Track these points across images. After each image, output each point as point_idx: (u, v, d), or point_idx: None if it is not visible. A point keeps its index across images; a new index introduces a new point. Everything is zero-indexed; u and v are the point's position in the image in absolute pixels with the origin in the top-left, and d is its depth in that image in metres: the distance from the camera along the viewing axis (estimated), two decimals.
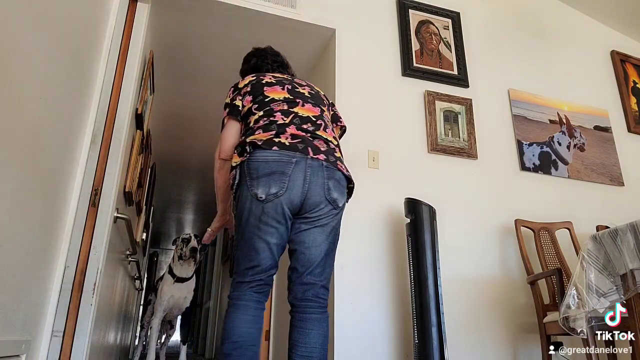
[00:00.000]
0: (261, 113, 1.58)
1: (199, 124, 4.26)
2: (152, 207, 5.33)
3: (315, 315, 1.45)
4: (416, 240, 2.10)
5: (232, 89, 1.72)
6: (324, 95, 1.81)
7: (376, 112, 2.62)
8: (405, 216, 2.18)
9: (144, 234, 4.48)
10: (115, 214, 1.95)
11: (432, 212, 2.16)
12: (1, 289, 1.10)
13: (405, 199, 2.20)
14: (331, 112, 1.78)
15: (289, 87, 1.68)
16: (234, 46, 3.00)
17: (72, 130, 1.66)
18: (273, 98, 1.62)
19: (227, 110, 1.67)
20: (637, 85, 3.45)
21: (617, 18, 3.55)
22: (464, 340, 2.30)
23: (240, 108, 1.64)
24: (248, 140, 1.50)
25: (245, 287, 1.45)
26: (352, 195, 1.63)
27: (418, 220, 2.12)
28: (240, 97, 1.66)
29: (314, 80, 3.15)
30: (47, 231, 1.50)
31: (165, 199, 6.49)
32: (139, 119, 2.32)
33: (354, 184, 1.61)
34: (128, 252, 2.68)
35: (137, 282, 4.18)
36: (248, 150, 1.48)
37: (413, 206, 2.16)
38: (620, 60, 3.47)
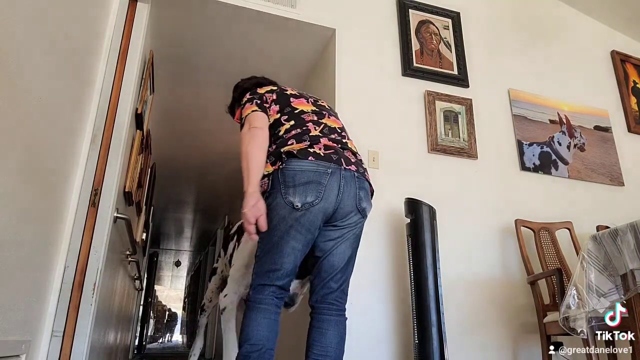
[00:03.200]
0: (292, 123, 1.59)
1: (199, 124, 4.26)
2: (152, 207, 5.33)
3: (332, 317, 1.49)
4: (416, 240, 2.10)
5: (249, 94, 1.69)
6: None
7: (376, 112, 2.62)
8: (405, 216, 2.18)
9: (144, 234, 4.48)
10: (115, 214, 1.95)
11: (432, 212, 2.16)
12: (1, 289, 1.10)
13: (405, 199, 2.20)
14: None
15: (312, 100, 1.73)
16: (234, 46, 3.01)
17: (72, 130, 1.66)
18: (302, 110, 1.65)
19: (250, 104, 1.63)
20: (637, 85, 3.45)
21: (617, 18, 3.55)
22: (464, 340, 2.30)
23: (268, 109, 1.62)
24: (283, 150, 1.50)
25: (267, 290, 1.45)
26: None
27: (418, 220, 2.12)
28: (267, 103, 1.64)
29: (314, 81, 3.16)
30: (47, 231, 1.50)
31: (165, 199, 6.49)
32: (139, 119, 2.31)
33: (373, 193, 1.65)
34: (128, 252, 2.68)
35: (137, 282, 4.17)
36: (283, 158, 1.48)
37: (413, 206, 2.16)
38: (620, 60, 3.47)
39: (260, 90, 1.70)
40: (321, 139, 1.54)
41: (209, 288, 2.88)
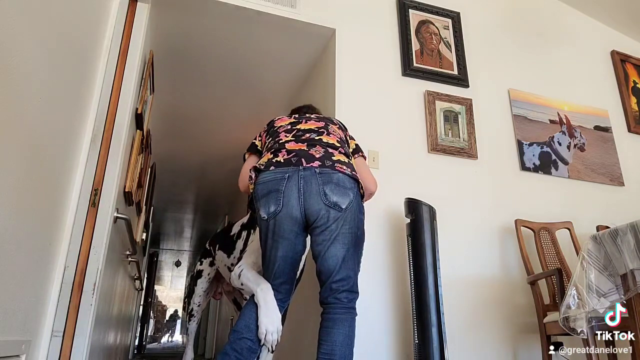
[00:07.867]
0: (270, 139, 1.77)
1: (199, 124, 4.26)
2: (152, 207, 5.32)
3: (338, 316, 1.51)
4: (416, 240, 2.10)
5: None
6: (338, 121, 1.91)
7: (376, 112, 2.62)
8: (405, 216, 2.18)
9: (144, 234, 4.47)
10: (115, 214, 1.95)
11: (432, 212, 2.16)
12: (1, 289, 1.10)
13: (405, 199, 2.20)
14: (347, 137, 1.87)
15: (296, 115, 1.87)
16: (234, 46, 3.01)
17: (72, 130, 1.66)
18: (281, 125, 1.80)
19: (247, 150, 1.89)
20: (637, 85, 3.45)
21: (617, 18, 3.55)
22: (464, 340, 2.30)
23: (259, 147, 1.85)
24: (252, 166, 1.65)
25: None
26: (365, 197, 1.73)
27: (418, 220, 2.12)
28: (260, 138, 1.87)
29: (314, 81, 3.16)
30: (47, 231, 1.50)
31: (165, 199, 6.49)
32: (139, 119, 2.31)
33: (360, 183, 1.63)
34: (128, 252, 2.67)
35: (137, 282, 4.17)
36: (253, 176, 1.62)
37: (413, 206, 2.16)
38: (620, 60, 3.47)
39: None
40: (287, 144, 1.65)
41: (195, 292, 2.80)
